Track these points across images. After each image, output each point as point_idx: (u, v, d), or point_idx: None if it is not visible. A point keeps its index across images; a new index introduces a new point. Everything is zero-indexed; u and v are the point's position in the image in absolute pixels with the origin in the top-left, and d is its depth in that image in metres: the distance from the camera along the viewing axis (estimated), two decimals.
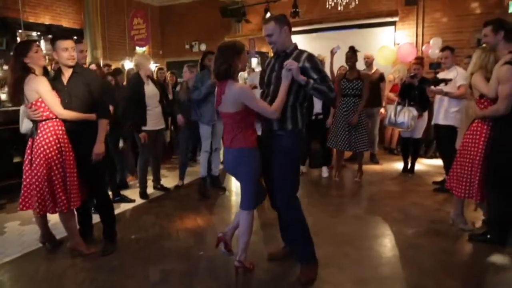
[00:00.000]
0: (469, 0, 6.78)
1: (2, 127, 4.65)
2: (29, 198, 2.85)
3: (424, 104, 4.94)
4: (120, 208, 4.20)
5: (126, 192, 4.61)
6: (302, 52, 2.54)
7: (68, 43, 2.83)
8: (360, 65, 5.76)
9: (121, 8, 8.76)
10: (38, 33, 7.02)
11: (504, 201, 2.99)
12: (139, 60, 4.48)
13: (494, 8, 6.66)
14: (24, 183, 2.85)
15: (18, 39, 6.45)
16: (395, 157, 6.29)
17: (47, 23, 7.26)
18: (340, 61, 5.72)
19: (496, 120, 3.01)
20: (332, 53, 5.38)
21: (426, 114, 5.12)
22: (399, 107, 4.91)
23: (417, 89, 4.84)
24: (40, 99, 2.75)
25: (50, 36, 7.10)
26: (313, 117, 5.01)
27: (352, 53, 4.80)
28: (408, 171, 5.35)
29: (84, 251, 3.04)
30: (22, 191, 2.86)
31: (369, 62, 5.90)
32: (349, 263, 2.86)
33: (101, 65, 5.51)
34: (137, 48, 8.76)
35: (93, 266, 2.89)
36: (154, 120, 4.44)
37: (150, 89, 4.40)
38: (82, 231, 3.27)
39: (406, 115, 4.81)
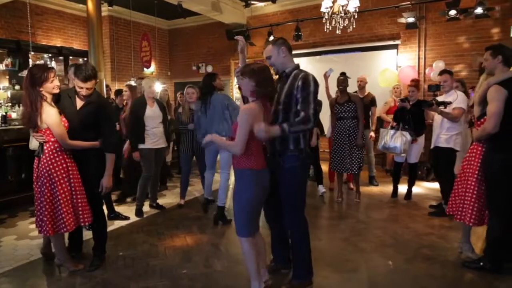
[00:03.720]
0: (470, 24, 6.81)
1: (13, 144, 4.83)
2: (38, 216, 2.91)
3: (418, 128, 4.90)
4: (114, 225, 4.28)
5: (122, 209, 4.70)
6: (301, 71, 2.63)
7: (85, 85, 2.93)
8: (354, 88, 5.83)
9: (129, 30, 9.12)
10: (50, 55, 7.34)
11: (501, 225, 2.95)
12: (142, 84, 4.72)
13: (496, 31, 6.67)
14: (37, 202, 2.90)
15: (30, 61, 6.76)
16: None
17: (58, 45, 7.62)
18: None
19: (487, 142, 3.02)
20: (326, 76, 5.46)
21: (422, 138, 5.05)
22: (392, 131, 4.90)
23: (410, 113, 4.83)
24: (48, 128, 2.84)
25: (61, 57, 7.44)
26: None
27: (344, 77, 4.89)
28: (397, 196, 5.27)
29: (71, 268, 3.10)
30: (36, 210, 2.92)
31: (362, 85, 5.94)
32: (328, 287, 2.85)
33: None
34: (145, 69, 9.06)
35: (77, 282, 2.95)
36: (154, 139, 4.56)
37: (152, 110, 4.56)
38: (71, 247, 3.36)
39: (399, 139, 4.79)
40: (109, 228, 4.15)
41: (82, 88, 2.95)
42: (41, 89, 2.81)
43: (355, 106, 4.88)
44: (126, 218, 4.47)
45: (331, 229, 4.09)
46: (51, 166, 2.84)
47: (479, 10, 5.95)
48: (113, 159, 3.13)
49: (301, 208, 2.70)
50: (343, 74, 4.94)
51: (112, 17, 8.81)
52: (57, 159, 2.87)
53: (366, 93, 5.92)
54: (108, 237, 3.62)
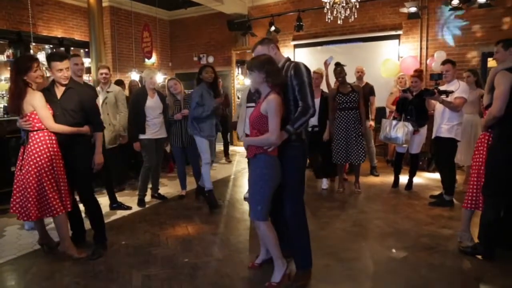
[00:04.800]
0: (472, 14, 6.75)
1: (15, 135, 4.85)
2: (15, 201, 3.00)
3: (421, 119, 4.86)
4: (116, 215, 4.32)
5: (124, 199, 4.73)
6: (291, 62, 2.70)
7: (63, 65, 2.99)
8: (352, 78, 5.82)
9: (130, 21, 9.09)
10: (51, 46, 7.33)
11: (494, 211, 2.99)
12: (143, 75, 4.78)
13: (498, 21, 6.61)
14: (15, 186, 3.00)
15: (32, 52, 6.76)
16: None
17: (59, 36, 7.60)
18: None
19: (494, 129, 3.05)
20: (326, 64, 5.43)
21: (424, 129, 5.01)
22: (394, 122, 4.88)
23: (413, 103, 4.81)
24: (34, 111, 2.92)
25: (62, 48, 7.43)
26: (310, 129, 5.04)
27: (340, 68, 4.87)
28: (398, 186, 5.28)
29: (74, 255, 3.16)
30: (12, 194, 3.02)
31: (361, 76, 5.92)
32: (328, 275, 2.88)
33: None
34: (146, 60, 9.04)
35: (79, 270, 2.99)
36: (154, 129, 4.60)
37: (153, 101, 4.58)
38: (75, 236, 3.41)
39: (401, 130, 4.77)
40: (112, 218, 4.21)
41: (61, 69, 2.99)
42: (25, 77, 2.91)
43: (358, 96, 4.87)
44: (128, 208, 4.51)
45: (332, 219, 4.12)
46: (36, 155, 2.91)
47: (482, 0, 5.89)
48: (101, 137, 3.27)
49: (301, 196, 2.74)
50: (338, 64, 4.91)
51: (113, 7, 8.76)
52: (42, 148, 2.93)
53: (364, 83, 5.91)
54: (111, 227, 3.68)
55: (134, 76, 8.30)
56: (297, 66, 2.62)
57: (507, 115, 2.91)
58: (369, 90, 5.87)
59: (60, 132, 3.01)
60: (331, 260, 3.09)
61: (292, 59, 2.81)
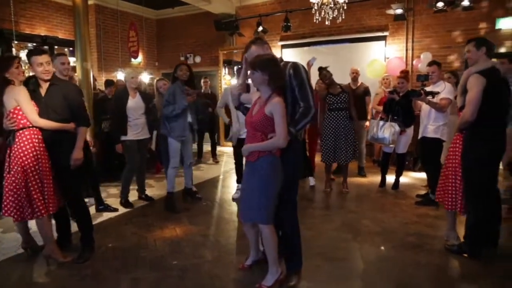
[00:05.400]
0: (458, 16, 6.87)
1: None
2: (9, 204, 2.91)
3: (407, 120, 4.92)
4: (103, 217, 4.25)
5: (110, 201, 4.65)
6: (287, 62, 2.68)
7: (42, 58, 2.93)
8: (339, 78, 5.84)
9: (116, 20, 8.97)
10: (34, 44, 7.18)
11: (477, 212, 3.04)
12: (125, 74, 4.74)
13: (483, 23, 6.75)
14: (6, 189, 2.92)
15: (14, 50, 6.61)
16: None
17: (42, 34, 7.44)
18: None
19: (467, 131, 3.09)
20: (309, 65, 5.44)
21: (411, 129, 5.08)
22: (381, 123, 4.94)
23: (400, 104, 4.87)
24: (18, 107, 2.86)
25: (46, 47, 7.28)
26: None
27: (325, 71, 4.91)
28: (385, 185, 5.34)
29: (59, 259, 3.08)
30: (4, 197, 2.93)
31: (356, 77, 5.98)
32: (319, 275, 2.89)
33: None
34: (132, 59, 8.94)
35: (66, 274, 2.92)
36: (136, 130, 4.50)
37: (134, 102, 4.48)
38: (60, 239, 3.33)
39: (388, 130, 4.83)
40: (98, 220, 4.13)
41: (41, 63, 2.94)
42: (7, 74, 2.88)
43: (348, 97, 4.91)
44: (115, 210, 4.44)
45: (320, 219, 4.13)
46: (22, 154, 2.85)
47: (466, 3, 6.02)
48: (85, 132, 3.21)
49: (295, 197, 2.74)
50: (321, 68, 4.96)
51: (99, 6, 8.63)
52: (28, 146, 2.87)
53: (358, 84, 5.96)
54: (97, 229, 3.61)
55: (120, 76, 8.19)
56: (296, 66, 2.61)
57: (480, 118, 2.92)
58: (363, 91, 5.94)
59: (45, 127, 2.95)
60: (320, 260, 3.10)
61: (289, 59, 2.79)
